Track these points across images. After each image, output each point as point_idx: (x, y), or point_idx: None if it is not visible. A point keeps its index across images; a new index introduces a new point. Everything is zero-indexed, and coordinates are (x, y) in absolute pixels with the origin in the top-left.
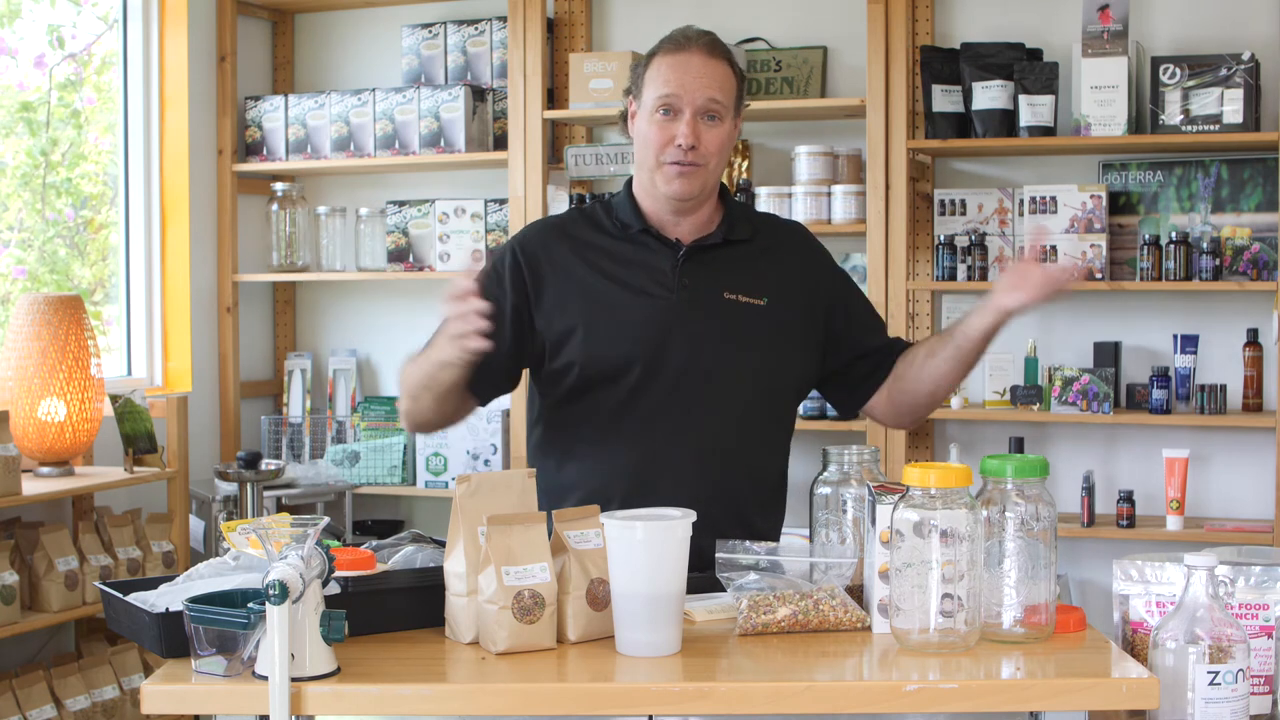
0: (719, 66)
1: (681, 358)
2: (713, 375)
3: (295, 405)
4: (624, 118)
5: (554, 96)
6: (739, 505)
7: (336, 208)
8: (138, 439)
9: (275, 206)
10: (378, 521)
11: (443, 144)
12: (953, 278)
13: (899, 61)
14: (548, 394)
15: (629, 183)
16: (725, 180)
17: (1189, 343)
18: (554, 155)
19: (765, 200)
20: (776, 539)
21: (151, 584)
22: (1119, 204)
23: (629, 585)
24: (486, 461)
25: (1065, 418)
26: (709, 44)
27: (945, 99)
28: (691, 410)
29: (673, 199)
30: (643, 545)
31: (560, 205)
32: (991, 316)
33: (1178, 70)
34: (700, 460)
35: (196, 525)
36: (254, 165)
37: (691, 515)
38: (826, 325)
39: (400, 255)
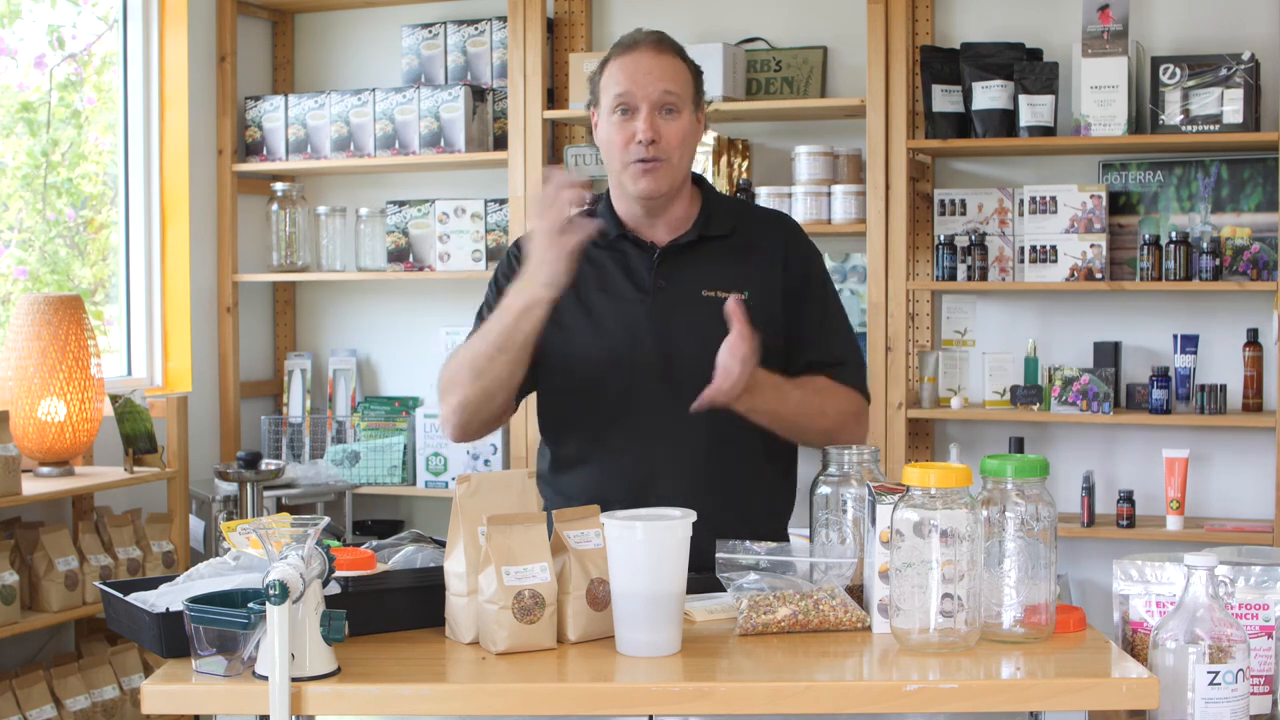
0: (669, 61)
1: (660, 358)
2: (695, 373)
3: (295, 405)
4: (590, 130)
5: (554, 96)
6: (735, 502)
7: (336, 208)
8: (138, 439)
9: (275, 206)
10: (378, 521)
11: (443, 144)
12: (953, 278)
13: (899, 61)
14: (542, 401)
15: (608, 190)
16: (725, 181)
17: (1189, 343)
18: (554, 155)
19: (765, 200)
20: (780, 535)
21: (151, 584)
22: (1119, 204)
23: (629, 585)
24: (486, 462)
25: (1065, 418)
26: (657, 41)
27: (945, 99)
28: (679, 410)
29: (642, 198)
30: (643, 545)
31: None
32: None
33: (1178, 70)
34: (693, 458)
35: (196, 525)
36: (254, 165)
37: (691, 515)
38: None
39: (400, 255)
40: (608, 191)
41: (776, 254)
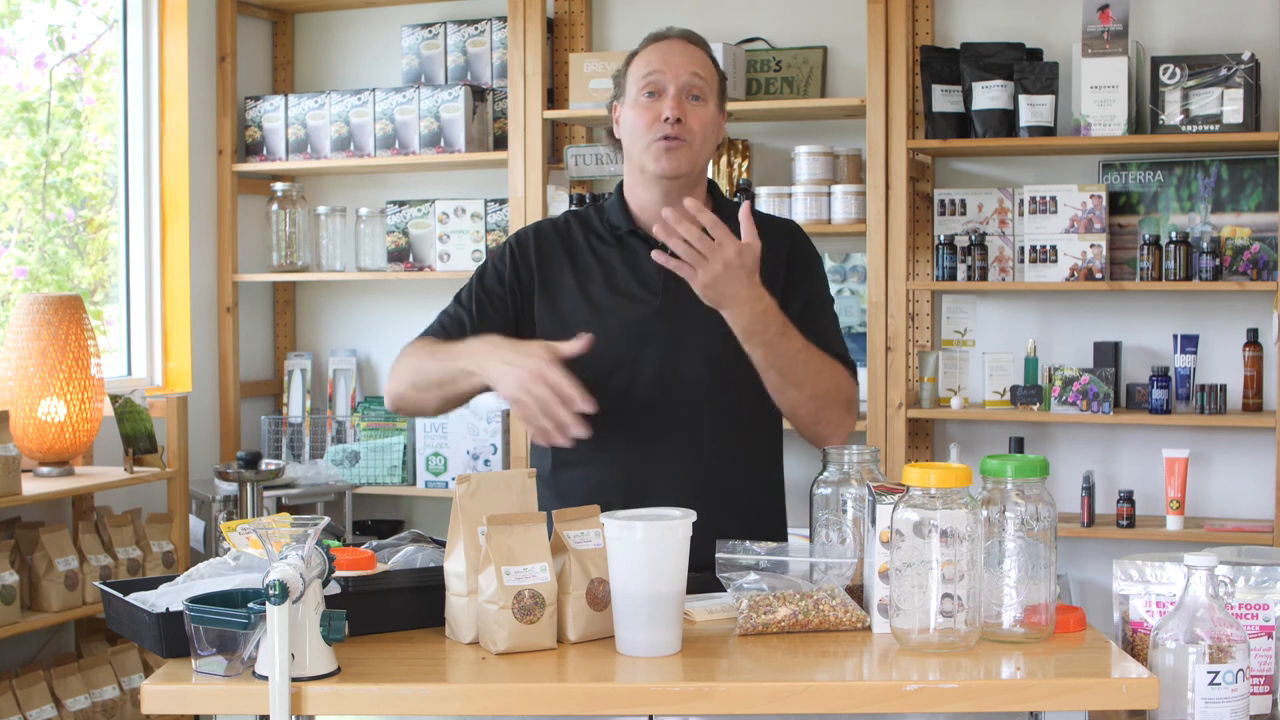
0: (699, 52)
1: (665, 359)
2: (698, 375)
3: (295, 405)
4: (609, 133)
5: (554, 96)
6: (735, 505)
7: (336, 208)
8: (138, 439)
9: (275, 206)
10: (378, 521)
11: (443, 144)
12: (953, 278)
13: (899, 61)
14: None
15: (620, 185)
16: (725, 181)
17: (1189, 343)
18: (554, 155)
19: (765, 200)
20: (778, 537)
21: (151, 584)
22: (1119, 204)
23: (629, 585)
24: (486, 461)
25: (1065, 418)
26: (687, 34)
27: (945, 99)
28: (680, 411)
29: (662, 177)
30: (643, 545)
31: (560, 205)
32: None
33: (1178, 70)
34: (693, 460)
35: (196, 525)
36: (254, 165)
37: (691, 515)
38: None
39: (400, 255)
40: (619, 185)
41: (781, 257)
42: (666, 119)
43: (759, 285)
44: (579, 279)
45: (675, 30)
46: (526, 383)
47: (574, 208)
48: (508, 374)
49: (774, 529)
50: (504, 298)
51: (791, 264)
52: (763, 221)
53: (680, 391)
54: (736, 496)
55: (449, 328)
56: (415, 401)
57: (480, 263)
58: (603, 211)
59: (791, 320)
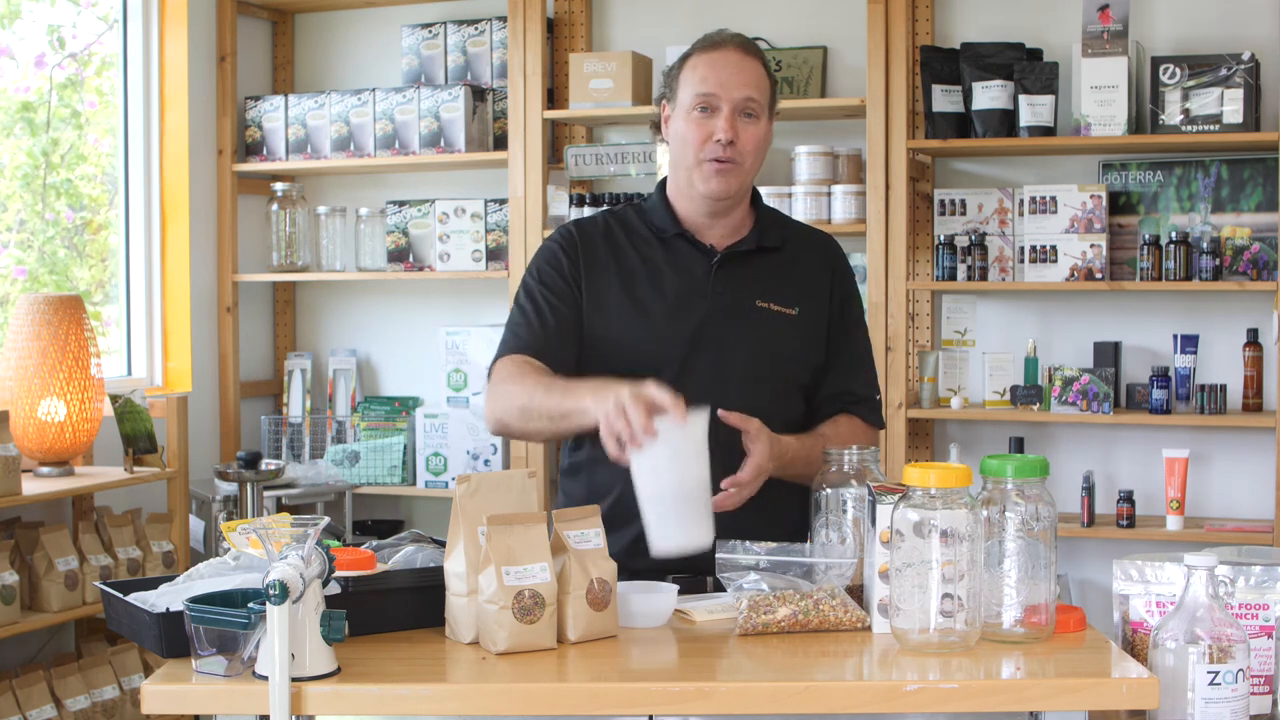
0: (754, 65)
1: (713, 364)
2: (745, 382)
3: (295, 405)
4: (655, 126)
5: (554, 96)
6: (775, 513)
7: (336, 208)
8: (138, 439)
9: (275, 206)
10: (378, 521)
11: (443, 144)
12: (953, 278)
13: (899, 61)
14: None
15: (661, 185)
16: None
17: (1189, 343)
18: (554, 155)
19: (765, 200)
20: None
21: (151, 584)
22: (1119, 204)
23: (654, 486)
24: (486, 461)
25: (1065, 418)
26: (743, 43)
27: (945, 99)
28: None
29: (710, 198)
30: (661, 439)
31: (560, 205)
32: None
33: (1178, 70)
34: (734, 464)
35: (196, 525)
36: (254, 165)
37: (705, 409)
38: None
39: (400, 255)
40: (662, 184)
41: (823, 278)
42: (719, 140)
43: (779, 452)
44: (624, 281)
45: (730, 38)
46: (609, 410)
47: (608, 208)
48: (599, 404)
49: (803, 531)
50: (569, 291)
51: (834, 290)
52: (802, 232)
53: (724, 396)
54: (778, 503)
55: (526, 339)
56: (521, 430)
57: (531, 266)
58: (643, 212)
59: (833, 339)
